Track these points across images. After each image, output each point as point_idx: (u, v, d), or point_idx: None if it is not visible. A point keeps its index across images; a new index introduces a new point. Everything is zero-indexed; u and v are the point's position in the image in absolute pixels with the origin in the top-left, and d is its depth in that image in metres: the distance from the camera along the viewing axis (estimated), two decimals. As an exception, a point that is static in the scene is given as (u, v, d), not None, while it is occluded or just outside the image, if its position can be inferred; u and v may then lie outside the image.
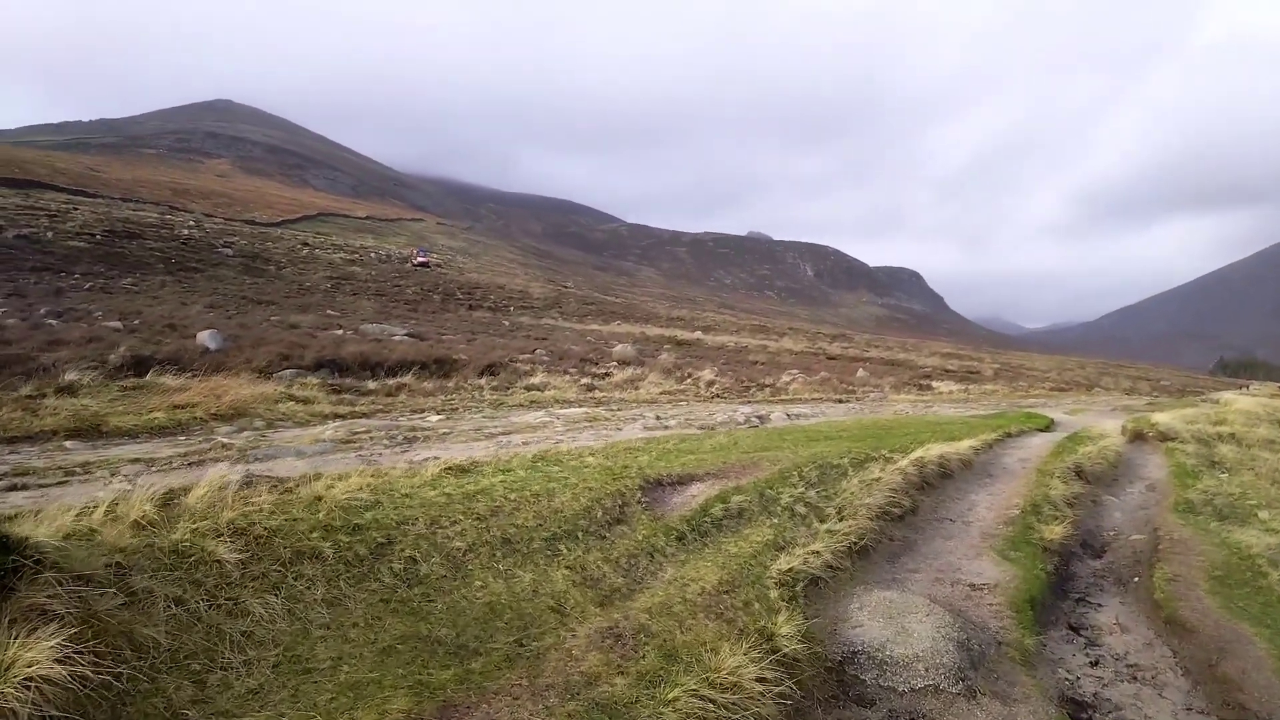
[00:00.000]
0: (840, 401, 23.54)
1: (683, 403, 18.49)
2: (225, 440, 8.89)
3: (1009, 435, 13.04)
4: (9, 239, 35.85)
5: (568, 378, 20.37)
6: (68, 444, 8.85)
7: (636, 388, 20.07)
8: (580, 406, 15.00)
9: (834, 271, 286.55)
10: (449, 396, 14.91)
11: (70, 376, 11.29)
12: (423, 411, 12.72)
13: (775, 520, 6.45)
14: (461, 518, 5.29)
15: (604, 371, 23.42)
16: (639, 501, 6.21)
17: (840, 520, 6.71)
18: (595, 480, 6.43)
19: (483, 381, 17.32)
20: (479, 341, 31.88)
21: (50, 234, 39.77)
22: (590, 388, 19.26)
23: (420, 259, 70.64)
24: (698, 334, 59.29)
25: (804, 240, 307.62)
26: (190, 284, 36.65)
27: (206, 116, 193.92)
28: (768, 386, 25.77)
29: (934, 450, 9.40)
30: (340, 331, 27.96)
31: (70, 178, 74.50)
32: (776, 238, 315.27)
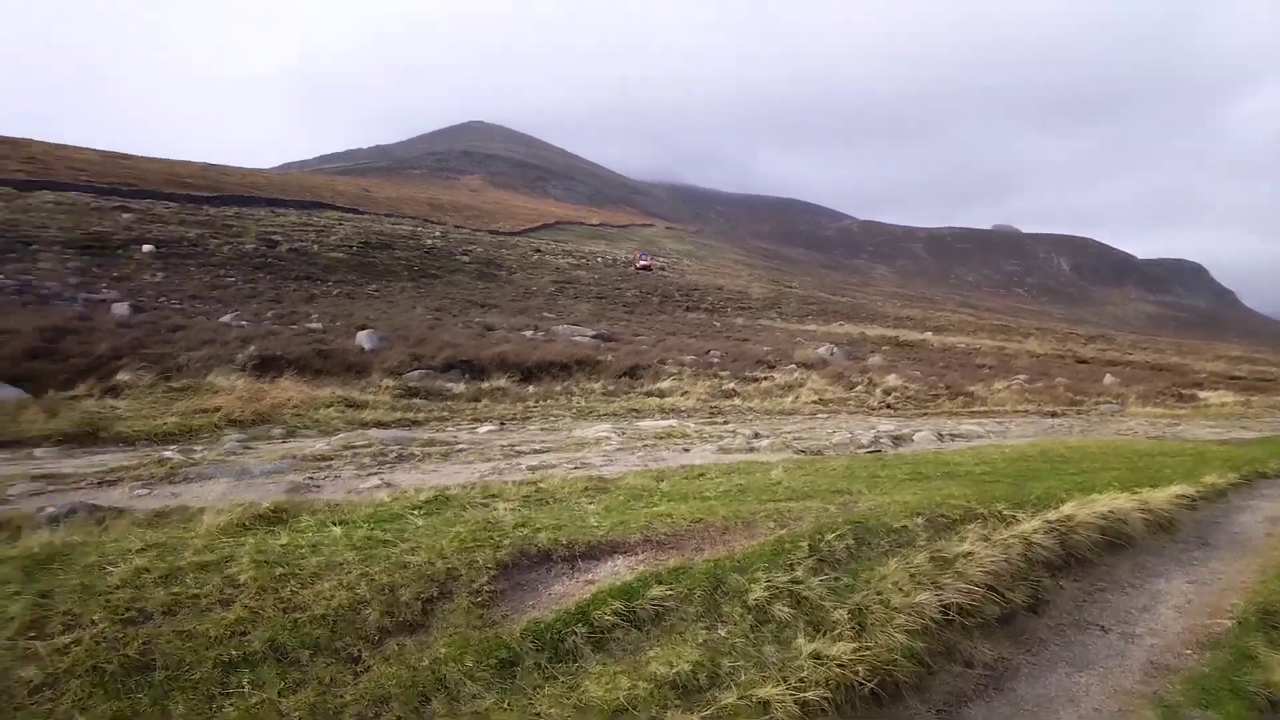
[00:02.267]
0: (1053, 415, 18.97)
1: (832, 415, 15.43)
2: (169, 455, 7.55)
3: (1261, 476, 8.79)
4: (282, 252, 39.62)
5: (713, 382, 17.93)
6: (37, 452, 8.03)
7: (786, 395, 17.22)
8: (684, 417, 12.59)
9: (1095, 266, 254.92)
10: (541, 402, 13.16)
11: (123, 377, 10.76)
12: (482, 421, 10.99)
13: (718, 633, 3.77)
14: (140, 607, 3.27)
15: (761, 375, 20.64)
16: (480, 589, 3.81)
17: (852, 637, 3.88)
18: (442, 545, 4.12)
19: (597, 385, 15.39)
20: (668, 343, 30.40)
21: (316, 247, 43.50)
22: (730, 393, 16.71)
23: (643, 262, 69.90)
24: (926, 334, 54.18)
25: (1058, 233, 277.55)
26: (427, 289, 38.48)
27: (462, 137, 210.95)
28: (966, 395, 21.57)
29: (1099, 504, 5.98)
30: (531, 333, 27.58)
31: (347, 199, 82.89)
32: (1026, 230, 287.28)
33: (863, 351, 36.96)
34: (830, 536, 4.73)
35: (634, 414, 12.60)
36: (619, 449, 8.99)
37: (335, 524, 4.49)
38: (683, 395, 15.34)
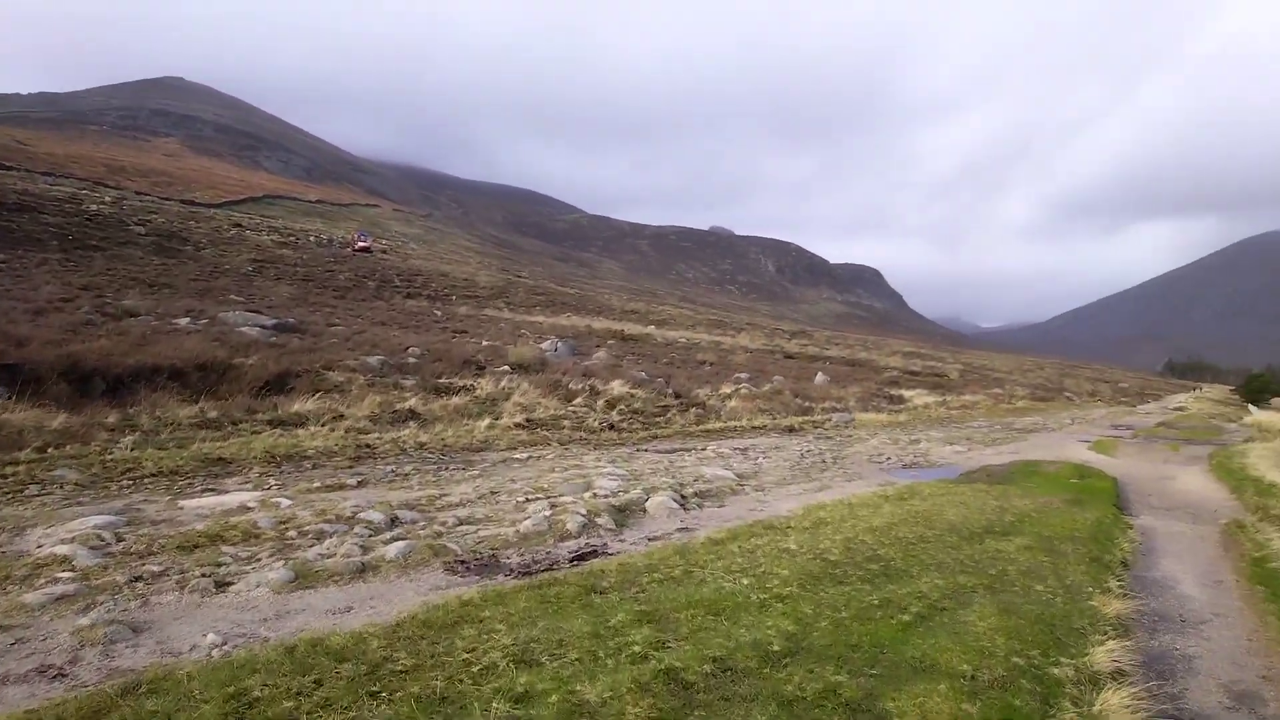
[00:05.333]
0: (791, 431, 16.47)
1: (539, 449, 11.33)
2: None
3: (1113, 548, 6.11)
4: None
5: (388, 396, 13.11)
6: None
7: (484, 416, 12.86)
8: (290, 479, 7.72)
9: (795, 268, 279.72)
10: (57, 449, 7.65)
11: None
12: None
13: None
14: None
15: (461, 384, 16.07)
16: None
17: None
18: None
19: (192, 410, 9.94)
20: (367, 335, 25.11)
21: None
22: (405, 416, 12.02)
23: (362, 244, 64.06)
24: (650, 328, 52.97)
25: (766, 236, 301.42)
26: (82, 263, 30.92)
27: (155, 93, 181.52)
28: (698, 406, 18.62)
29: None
30: (187, 321, 20.89)
31: None
32: (739, 233, 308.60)
33: (589, 345, 34.15)
34: None
35: (191, 479, 7.43)
36: None
37: None
38: (328, 425, 10.39)
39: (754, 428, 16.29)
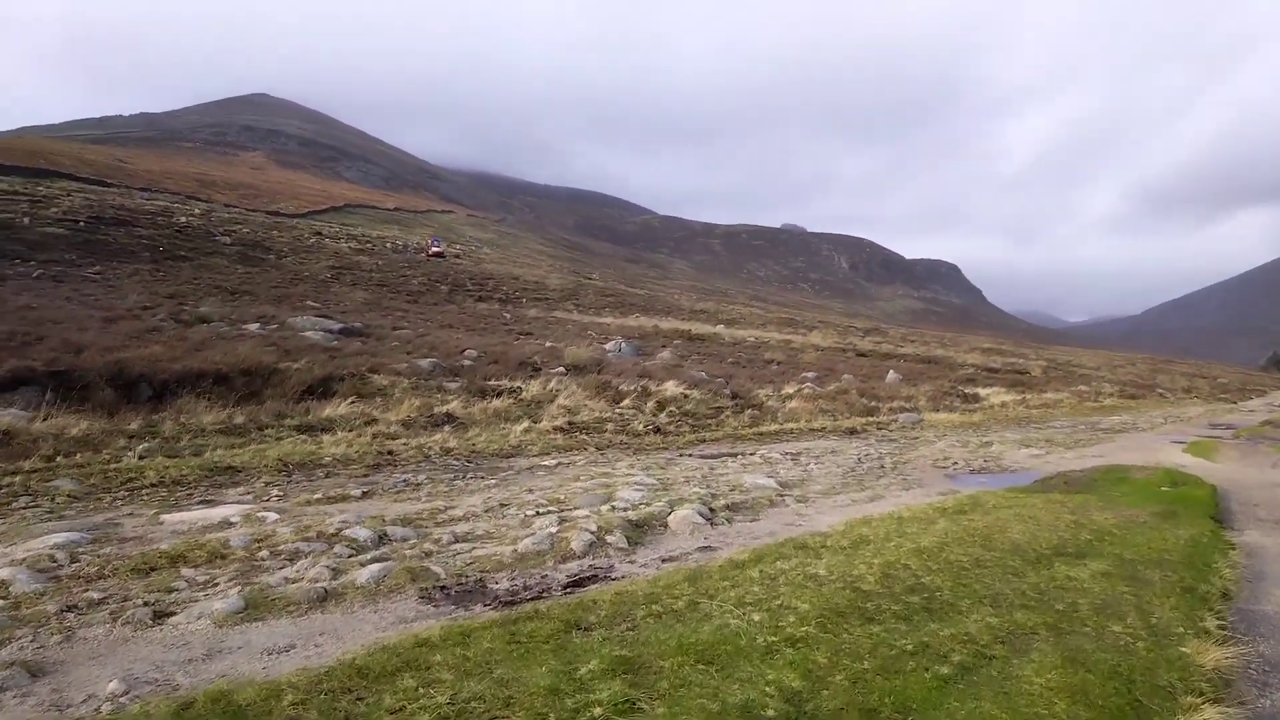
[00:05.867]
0: (853, 434, 15.47)
1: (572, 454, 10.74)
2: None
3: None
4: (-31, 224, 30.72)
5: (427, 400, 12.75)
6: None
7: (523, 420, 12.37)
8: (307, 488, 7.30)
9: (870, 264, 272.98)
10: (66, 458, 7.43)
11: None
12: None
13: None
14: None
15: (510, 385, 15.64)
16: None
17: None
18: None
19: (220, 416, 9.70)
20: (431, 338, 25.24)
21: (27, 220, 34.71)
22: (442, 420, 11.61)
23: (435, 249, 64.09)
24: (719, 327, 52.19)
25: (839, 233, 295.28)
26: (171, 272, 31.94)
27: (244, 110, 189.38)
28: (754, 407, 17.78)
29: None
30: (256, 327, 21.43)
31: (96, 169, 69.31)
32: (811, 230, 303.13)
33: (654, 346, 33.68)
34: None
35: (192, 489, 7.08)
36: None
37: None
38: (355, 431, 10.03)
39: (812, 430, 15.36)
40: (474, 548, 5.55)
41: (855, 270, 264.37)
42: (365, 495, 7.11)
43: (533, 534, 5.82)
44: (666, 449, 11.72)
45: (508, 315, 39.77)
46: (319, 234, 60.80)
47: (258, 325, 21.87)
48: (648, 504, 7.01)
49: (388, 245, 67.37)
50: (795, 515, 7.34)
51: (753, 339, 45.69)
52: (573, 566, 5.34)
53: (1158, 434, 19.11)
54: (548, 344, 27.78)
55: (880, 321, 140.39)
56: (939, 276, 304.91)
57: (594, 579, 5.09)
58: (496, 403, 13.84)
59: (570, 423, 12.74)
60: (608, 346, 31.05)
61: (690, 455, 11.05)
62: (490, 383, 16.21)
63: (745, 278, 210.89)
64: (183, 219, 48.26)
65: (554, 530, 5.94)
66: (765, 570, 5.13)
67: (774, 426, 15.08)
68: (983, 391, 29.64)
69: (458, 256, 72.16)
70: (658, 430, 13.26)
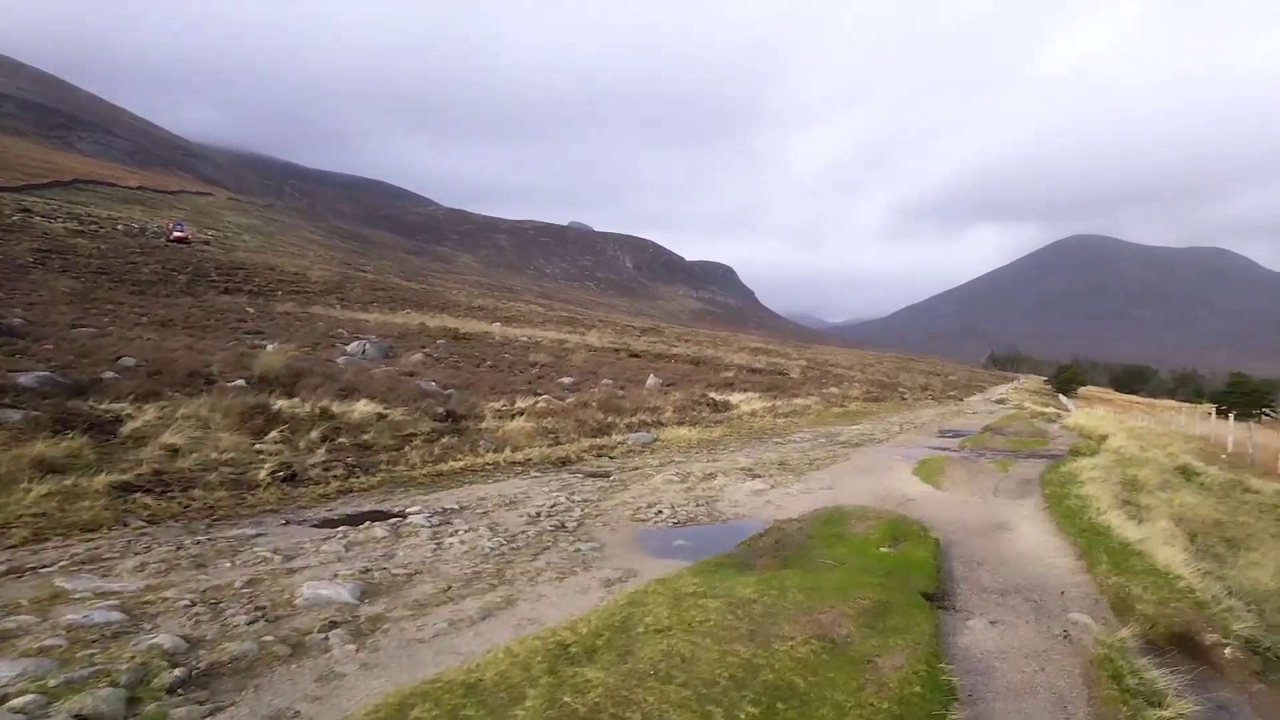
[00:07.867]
0: (563, 464, 12.85)
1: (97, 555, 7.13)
2: None
3: None
4: None
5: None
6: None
7: (81, 472, 8.49)
8: None
9: (653, 265, 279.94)
10: None
11: None
12: None
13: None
14: None
15: (123, 414, 11.46)
16: None
17: None
18: None
19: None
20: (111, 337, 20.60)
21: None
22: None
23: (177, 233, 58.28)
24: (494, 325, 49.20)
25: (623, 232, 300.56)
26: None
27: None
28: (462, 430, 14.74)
29: None
30: None
31: None
32: (597, 229, 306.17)
33: (411, 346, 30.31)
34: None
35: None
36: None
37: None
38: None
39: (514, 463, 12.57)
40: None
41: (639, 270, 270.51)
42: None
43: None
44: (254, 515, 8.31)
45: (251, 311, 34.85)
46: (26, 211, 52.45)
47: None
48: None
49: (119, 227, 59.74)
50: (315, 685, 4.31)
51: (526, 338, 43.24)
52: None
53: (893, 445, 18.48)
54: (271, 346, 23.44)
55: (661, 321, 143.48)
56: (716, 278, 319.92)
57: None
58: (65, 443, 9.72)
59: (156, 471, 8.98)
60: (349, 349, 26.84)
61: (257, 535, 7.62)
62: (102, 407, 11.88)
63: (533, 274, 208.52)
64: None
65: None
66: None
67: (466, 461, 12.11)
68: (736, 398, 28.73)
69: (206, 243, 65.36)
70: (290, 478, 9.81)
